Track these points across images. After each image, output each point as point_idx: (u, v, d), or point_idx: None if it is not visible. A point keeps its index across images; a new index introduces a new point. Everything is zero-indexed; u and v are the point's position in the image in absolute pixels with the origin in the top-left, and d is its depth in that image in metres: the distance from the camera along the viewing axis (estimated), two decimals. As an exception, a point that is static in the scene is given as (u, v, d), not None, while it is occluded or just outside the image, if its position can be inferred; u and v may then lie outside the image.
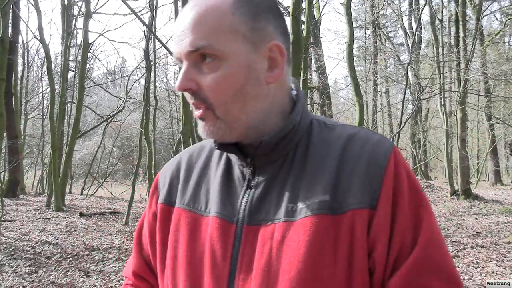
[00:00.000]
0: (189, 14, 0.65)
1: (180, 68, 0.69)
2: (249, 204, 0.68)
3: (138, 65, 17.83)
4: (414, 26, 15.75)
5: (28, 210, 9.84)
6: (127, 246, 6.65)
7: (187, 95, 0.68)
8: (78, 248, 6.43)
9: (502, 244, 5.95)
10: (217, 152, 0.78)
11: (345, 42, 8.78)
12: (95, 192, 16.68)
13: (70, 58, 14.82)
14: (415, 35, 13.23)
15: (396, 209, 0.62)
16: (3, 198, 8.36)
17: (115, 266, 5.53)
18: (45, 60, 11.32)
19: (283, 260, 0.63)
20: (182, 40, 0.65)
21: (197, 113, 0.68)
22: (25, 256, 5.89)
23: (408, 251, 0.61)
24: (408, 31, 18.93)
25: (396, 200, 0.63)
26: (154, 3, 14.02)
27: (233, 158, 0.73)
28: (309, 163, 0.68)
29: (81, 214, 9.56)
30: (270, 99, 0.69)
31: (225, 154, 0.76)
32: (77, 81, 12.75)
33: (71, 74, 16.04)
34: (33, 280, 4.90)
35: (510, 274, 4.69)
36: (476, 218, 8.10)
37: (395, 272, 0.61)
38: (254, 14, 0.67)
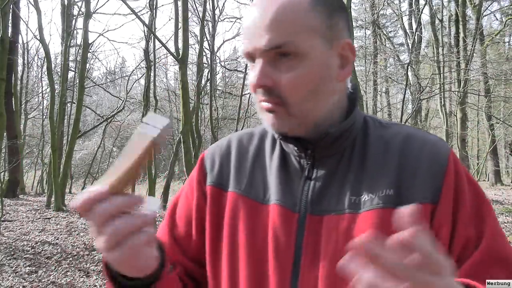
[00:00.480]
0: (266, 10, 0.65)
1: (247, 64, 0.70)
2: (310, 194, 0.70)
3: (138, 65, 17.84)
4: (414, 26, 15.74)
5: (28, 210, 9.84)
6: (127, 246, 6.65)
7: (259, 91, 0.68)
8: (78, 248, 6.43)
9: (502, 244, 5.96)
10: (269, 141, 0.79)
11: (345, 42, 8.77)
12: (95, 192, 16.64)
13: (70, 58, 14.82)
14: (415, 35, 13.23)
15: (458, 205, 0.65)
16: (3, 198, 8.36)
17: (115, 266, 5.53)
18: (45, 60, 11.32)
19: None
20: (259, 37, 0.65)
21: (265, 104, 0.68)
22: (25, 256, 5.88)
23: (474, 245, 0.63)
24: (408, 31, 18.93)
25: (458, 197, 0.66)
26: (154, 3, 14.02)
27: (290, 149, 0.73)
28: (369, 159, 0.70)
29: (81, 214, 9.54)
30: (337, 96, 0.71)
31: (278, 143, 0.77)
32: (77, 81, 12.74)
33: (71, 74, 16.04)
34: (33, 280, 4.90)
35: (510, 274, 4.68)
36: (476, 218, 8.10)
37: (463, 264, 0.63)
38: (330, 11, 0.68)
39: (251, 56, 0.68)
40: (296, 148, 0.72)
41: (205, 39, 12.98)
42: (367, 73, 17.93)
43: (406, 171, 0.67)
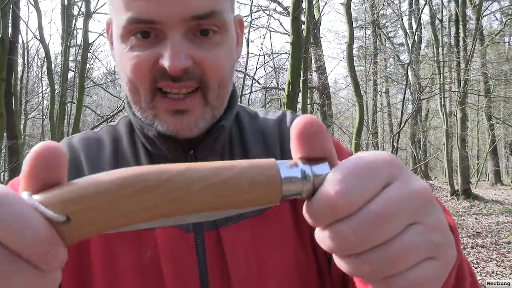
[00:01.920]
0: None
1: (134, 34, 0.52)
2: None
3: (138, 65, 17.87)
4: (414, 26, 15.75)
5: (28, 210, 9.85)
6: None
7: (176, 74, 0.51)
8: (78, 248, 6.43)
9: (502, 244, 5.96)
10: (126, 145, 0.62)
11: (345, 42, 8.78)
12: (95, 192, 16.70)
13: (70, 58, 14.82)
14: (415, 35, 13.23)
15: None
16: (3, 198, 8.35)
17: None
18: (45, 60, 11.33)
19: (261, 258, 0.56)
20: (176, 3, 0.49)
21: (174, 103, 0.53)
22: (25, 256, 5.89)
23: None
24: (408, 31, 18.93)
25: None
26: (154, 3, 14.04)
27: (163, 152, 0.59)
28: (250, 150, 0.62)
29: None
30: None
31: (141, 147, 0.61)
32: (77, 81, 12.75)
33: (71, 74, 16.04)
34: (33, 280, 4.90)
35: (510, 274, 4.69)
36: (476, 218, 8.10)
37: None
38: None
39: (151, 27, 0.51)
40: (173, 149, 0.58)
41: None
42: (367, 73, 17.92)
43: (288, 156, 0.60)
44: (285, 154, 0.63)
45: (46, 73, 11.79)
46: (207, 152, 0.59)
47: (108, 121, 16.12)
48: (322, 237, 0.30)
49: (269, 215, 0.58)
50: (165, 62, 0.50)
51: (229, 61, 0.55)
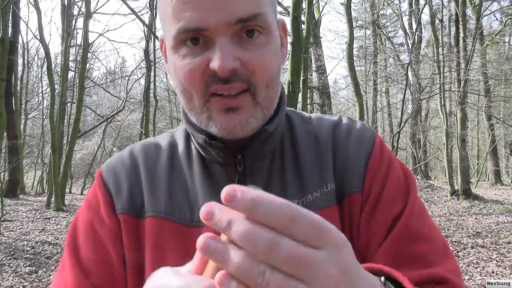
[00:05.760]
0: None
1: (185, 41, 0.54)
2: None
3: (138, 65, 17.85)
4: (414, 26, 15.75)
5: (28, 210, 9.84)
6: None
7: (214, 79, 0.54)
8: (78, 248, 6.43)
9: (502, 244, 5.96)
10: (182, 150, 0.67)
11: (345, 42, 8.78)
12: (95, 192, 16.69)
13: (70, 58, 14.82)
14: (415, 35, 13.24)
15: (385, 186, 0.62)
16: (3, 198, 8.36)
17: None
18: (45, 60, 11.32)
19: None
20: (220, 8, 0.52)
21: (226, 101, 0.55)
22: (25, 256, 5.88)
23: (396, 220, 0.61)
24: (408, 31, 18.92)
25: (384, 178, 0.63)
26: (154, 3, 14.01)
27: (213, 156, 0.62)
28: (302, 156, 0.64)
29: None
30: None
31: (194, 151, 0.65)
32: (77, 81, 12.74)
33: (71, 74, 16.06)
34: (33, 280, 4.90)
35: (510, 274, 4.69)
36: (476, 218, 8.10)
37: (382, 244, 0.59)
38: None
39: (200, 34, 0.53)
40: (222, 154, 0.60)
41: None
42: (367, 73, 17.93)
43: (339, 163, 0.64)
44: (337, 160, 0.64)
45: (46, 73, 11.78)
46: (255, 156, 0.62)
47: (108, 121, 16.13)
48: None
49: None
50: (215, 65, 0.52)
51: (275, 61, 0.57)
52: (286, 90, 5.96)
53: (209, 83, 0.54)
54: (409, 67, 9.76)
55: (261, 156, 0.63)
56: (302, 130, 0.67)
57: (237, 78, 0.54)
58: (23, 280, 4.88)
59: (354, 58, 10.71)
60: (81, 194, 16.57)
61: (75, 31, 14.91)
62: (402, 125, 9.33)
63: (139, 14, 10.94)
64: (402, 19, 19.41)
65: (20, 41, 16.27)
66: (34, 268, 5.37)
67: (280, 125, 0.64)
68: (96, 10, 14.20)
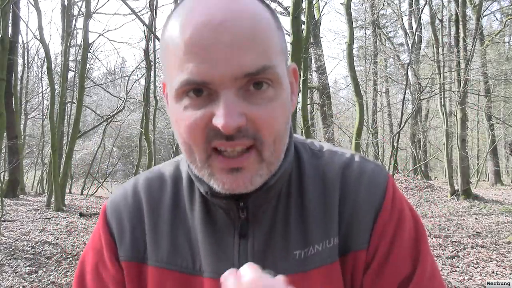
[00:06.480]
0: (232, 23, 0.49)
1: (189, 94, 0.51)
2: (250, 258, 0.58)
3: (138, 65, 17.86)
4: (414, 26, 15.75)
5: (28, 210, 9.84)
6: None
7: (229, 133, 0.50)
8: (78, 248, 6.43)
9: (502, 244, 5.96)
10: (185, 188, 0.64)
11: (345, 42, 8.77)
12: (95, 192, 16.68)
13: (70, 58, 14.82)
14: (415, 35, 13.23)
15: (395, 242, 0.59)
16: (3, 198, 8.36)
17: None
18: (45, 60, 11.32)
19: None
20: (226, 60, 0.48)
21: (230, 162, 0.52)
22: (25, 256, 5.88)
23: (406, 283, 0.58)
24: (408, 31, 18.93)
25: (394, 235, 0.59)
26: (154, 3, 14.02)
27: (217, 201, 0.59)
28: (309, 199, 0.61)
29: (81, 214, 9.56)
30: None
31: (197, 191, 0.63)
32: (77, 81, 12.75)
33: (71, 74, 16.06)
34: (33, 280, 4.90)
35: (510, 274, 4.69)
36: (476, 218, 8.10)
37: None
38: (283, 31, 0.57)
39: (205, 86, 0.50)
40: (225, 201, 0.58)
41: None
42: (367, 73, 17.93)
43: (346, 210, 0.60)
44: (344, 204, 0.60)
45: (46, 73, 11.78)
46: (258, 203, 0.59)
47: (108, 121, 16.13)
48: None
49: (320, 274, 0.57)
50: (218, 122, 0.49)
51: (283, 115, 0.53)
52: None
53: (211, 138, 0.51)
54: (409, 67, 9.75)
55: (265, 201, 0.60)
56: (310, 166, 0.63)
57: (242, 134, 0.51)
58: (23, 280, 4.88)
59: (354, 58, 10.72)
60: (81, 194, 16.57)
61: (75, 31, 14.91)
62: (402, 125, 9.32)
63: (139, 14, 10.94)
64: (402, 19, 19.42)
65: (20, 41, 16.27)
66: (34, 268, 5.38)
67: (287, 164, 0.60)
68: (96, 10, 14.20)
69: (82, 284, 0.65)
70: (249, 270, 0.36)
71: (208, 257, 0.59)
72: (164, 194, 0.65)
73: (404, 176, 13.19)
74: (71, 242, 6.77)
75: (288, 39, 5.91)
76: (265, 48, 0.50)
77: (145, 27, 11.36)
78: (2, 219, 7.43)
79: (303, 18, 8.84)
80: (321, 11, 15.82)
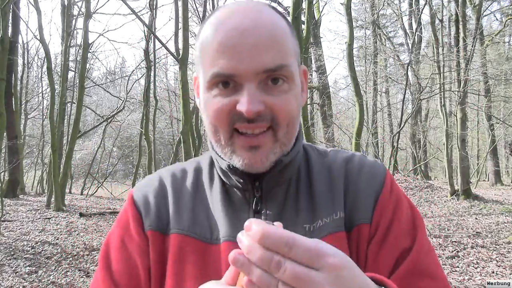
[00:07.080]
0: (256, 27, 0.60)
1: (216, 82, 0.62)
2: None
3: (138, 65, 17.85)
4: (414, 26, 15.74)
5: (28, 210, 9.84)
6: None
7: (250, 116, 0.60)
8: (78, 248, 6.43)
9: (502, 244, 5.96)
10: (206, 175, 0.74)
11: (345, 42, 8.77)
12: (95, 192, 16.68)
13: (70, 58, 14.83)
14: (415, 35, 13.24)
15: (394, 220, 0.67)
16: (3, 198, 8.36)
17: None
18: (45, 60, 11.32)
19: None
20: (251, 58, 0.59)
21: (249, 140, 0.62)
22: (25, 256, 5.89)
23: (405, 257, 0.65)
24: (408, 31, 18.93)
25: (392, 213, 0.68)
26: (154, 3, 14.03)
27: (234, 181, 0.68)
28: (316, 185, 0.70)
29: (81, 214, 9.56)
30: None
31: (216, 176, 0.73)
32: (77, 81, 12.75)
33: (71, 74, 16.06)
34: (33, 280, 4.90)
35: (510, 274, 4.69)
36: (476, 218, 8.10)
37: (390, 278, 0.63)
38: (296, 36, 0.68)
39: (231, 79, 0.61)
40: (242, 181, 0.67)
41: (205, 39, 12.98)
42: (367, 73, 17.92)
43: (350, 194, 0.69)
44: (348, 192, 0.69)
45: (46, 73, 11.78)
46: (272, 184, 0.68)
47: (108, 121, 16.13)
48: None
49: (329, 241, 0.61)
50: (242, 107, 0.59)
51: (295, 105, 0.64)
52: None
53: (235, 121, 0.62)
54: (409, 67, 9.76)
55: (278, 184, 0.69)
56: (318, 163, 0.74)
57: (261, 118, 0.61)
58: (23, 280, 4.88)
59: (354, 58, 10.71)
60: (81, 194, 16.57)
61: (75, 31, 14.92)
62: (402, 125, 9.33)
63: (139, 14, 10.94)
64: (402, 19, 19.42)
65: (20, 41, 16.28)
66: (34, 268, 5.37)
67: (297, 157, 0.70)
68: (96, 10, 14.21)
69: (107, 257, 0.72)
70: (257, 222, 0.41)
71: (225, 227, 0.67)
72: (187, 180, 0.74)
73: (404, 176, 13.18)
74: (71, 242, 6.76)
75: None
76: (281, 50, 0.61)
77: (145, 27, 11.36)
78: (2, 219, 7.43)
79: (303, 18, 8.85)
80: (321, 11, 15.83)
